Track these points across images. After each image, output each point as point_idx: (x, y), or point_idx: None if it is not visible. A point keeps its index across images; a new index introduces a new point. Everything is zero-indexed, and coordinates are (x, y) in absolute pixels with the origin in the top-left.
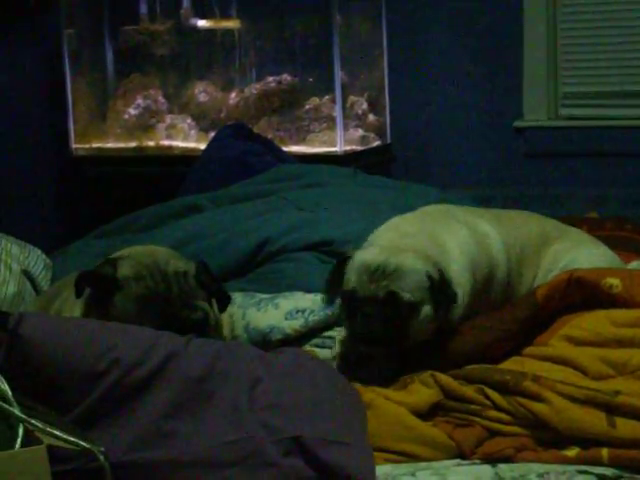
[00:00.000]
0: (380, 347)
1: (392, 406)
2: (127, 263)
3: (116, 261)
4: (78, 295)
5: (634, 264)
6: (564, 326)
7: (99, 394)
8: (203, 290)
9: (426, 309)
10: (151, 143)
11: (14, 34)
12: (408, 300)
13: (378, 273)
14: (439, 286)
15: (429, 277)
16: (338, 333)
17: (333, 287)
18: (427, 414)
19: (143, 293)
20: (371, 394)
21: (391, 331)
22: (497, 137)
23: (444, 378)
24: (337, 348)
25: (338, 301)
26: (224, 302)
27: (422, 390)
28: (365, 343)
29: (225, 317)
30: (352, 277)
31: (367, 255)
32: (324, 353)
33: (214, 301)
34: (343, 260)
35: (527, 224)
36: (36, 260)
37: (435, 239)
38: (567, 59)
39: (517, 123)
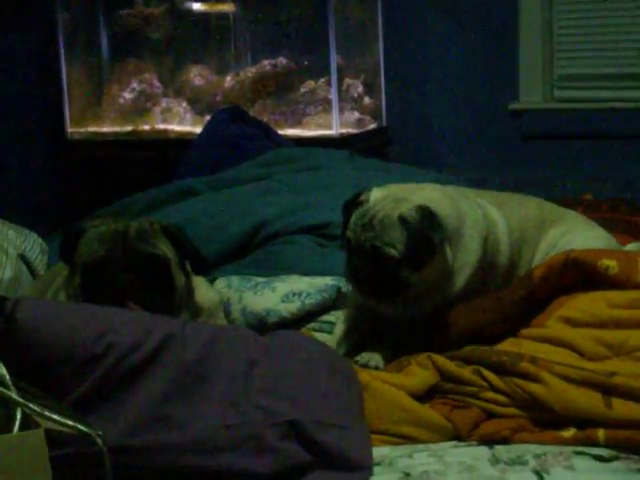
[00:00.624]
0: (375, 298)
1: (389, 388)
2: (96, 220)
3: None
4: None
5: (631, 246)
6: (561, 307)
7: (96, 378)
8: (170, 243)
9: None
10: (146, 127)
11: (9, 18)
12: (391, 254)
13: (368, 224)
14: (413, 229)
15: (404, 222)
16: (337, 318)
17: (344, 222)
18: (424, 396)
19: (102, 230)
20: (368, 376)
21: (380, 282)
22: (493, 120)
23: (441, 360)
24: (338, 329)
25: (334, 282)
26: (199, 263)
27: (419, 372)
28: (360, 294)
29: (215, 299)
30: (352, 223)
31: (370, 201)
32: (321, 337)
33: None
34: (359, 201)
35: (525, 207)
36: (32, 244)
37: (454, 202)
38: (562, 41)
39: (513, 106)
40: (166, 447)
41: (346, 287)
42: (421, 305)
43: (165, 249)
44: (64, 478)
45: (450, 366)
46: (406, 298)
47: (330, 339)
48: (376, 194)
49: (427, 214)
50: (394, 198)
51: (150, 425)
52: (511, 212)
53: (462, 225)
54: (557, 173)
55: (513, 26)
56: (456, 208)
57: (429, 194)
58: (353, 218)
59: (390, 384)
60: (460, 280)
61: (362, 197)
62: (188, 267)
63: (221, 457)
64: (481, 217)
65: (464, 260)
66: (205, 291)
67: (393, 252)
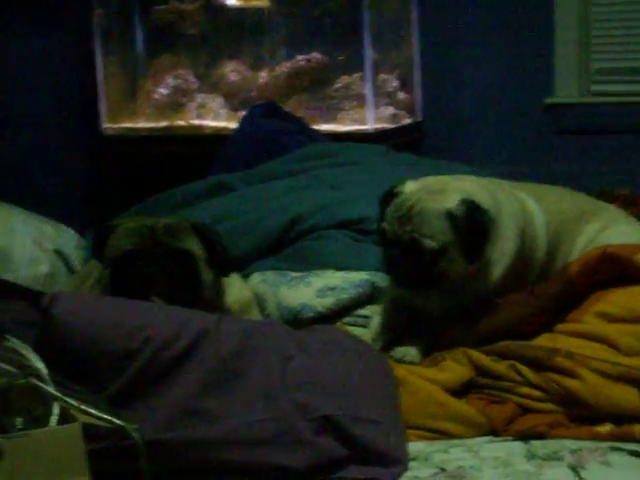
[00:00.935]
0: (412, 290)
1: (425, 383)
2: (128, 219)
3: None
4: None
5: None
6: (597, 302)
7: (132, 372)
8: (200, 241)
9: (452, 251)
10: (181, 122)
11: (45, 14)
12: (429, 246)
13: (405, 216)
14: (465, 222)
15: (451, 216)
16: (372, 312)
17: (381, 210)
18: (460, 391)
19: (130, 226)
20: (404, 371)
21: (418, 276)
22: (528, 114)
23: (476, 355)
24: (374, 323)
25: (369, 277)
26: (226, 263)
27: (454, 367)
28: (398, 285)
29: (246, 295)
30: (388, 215)
31: (404, 193)
32: (356, 331)
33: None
34: (395, 193)
35: (563, 200)
36: (68, 240)
37: (491, 194)
38: (599, 35)
39: (548, 100)
40: (201, 441)
41: (382, 282)
42: (458, 297)
43: (193, 246)
44: (101, 471)
45: (485, 361)
46: (442, 290)
47: (366, 333)
48: (410, 186)
49: (473, 206)
50: (429, 190)
51: (186, 419)
52: (549, 205)
53: (500, 216)
54: (593, 168)
55: (549, 20)
56: (493, 199)
57: (466, 186)
58: (389, 210)
59: (425, 379)
60: (497, 271)
61: (397, 189)
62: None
63: (256, 452)
64: (518, 209)
65: (501, 251)
66: (237, 289)
67: (432, 244)
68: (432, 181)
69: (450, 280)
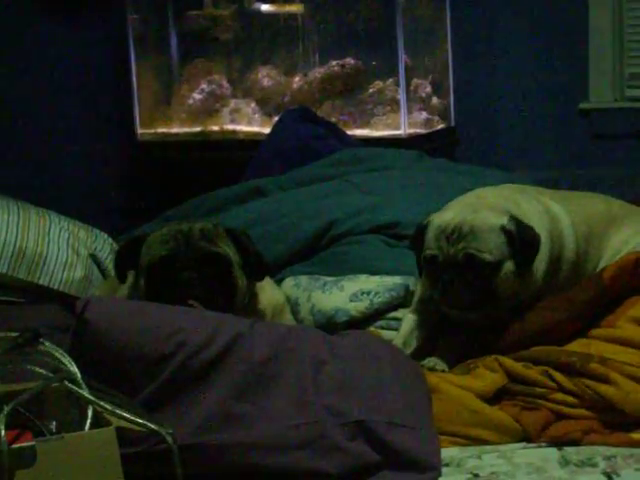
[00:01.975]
0: (470, 311)
1: (457, 390)
2: (158, 227)
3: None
4: (120, 277)
5: None
6: (632, 307)
7: (166, 377)
8: (234, 246)
9: (507, 265)
10: (215, 128)
11: (80, 19)
12: (487, 260)
13: (455, 235)
14: (518, 237)
15: (505, 231)
16: (403, 316)
17: (415, 248)
18: (493, 398)
19: (164, 232)
20: (435, 378)
21: (474, 293)
22: (562, 119)
23: (508, 362)
24: (404, 326)
25: (403, 281)
26: (261, 269)
27: (487, 375)
28: (452, 309)
29: (279, 299)
30: (431, 242)
31: (444, 217)
32: (389, 335)
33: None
34: (424, 225)
35: (593, 203)
36: (103, 244)
37: (516, 203)
38: (633, 40)
39: (582, 105)
40: (235, 446)
41: (414, 286)
42: (502, 307)
43: (228, 250)
44: (135, 475)
45: (518, 368)
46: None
47: (396, 337)
48: (441, 215)
49: (522, 222)
50: (467, 211)
51: (219, 423)
52: (576, 208)
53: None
54: (628, 173)
55: (583, 24)
56: (518, 209)
57: (497, 202)
58: (431, 237)
59: (458, 386)
60: (539, 276)
61: (425, 222)
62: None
63: (289, 456)
64: (542, 211)
65: (538, 257)
66: (270, 293)
67: (490, 258)
68: (462, 204)
69: (503, 297)
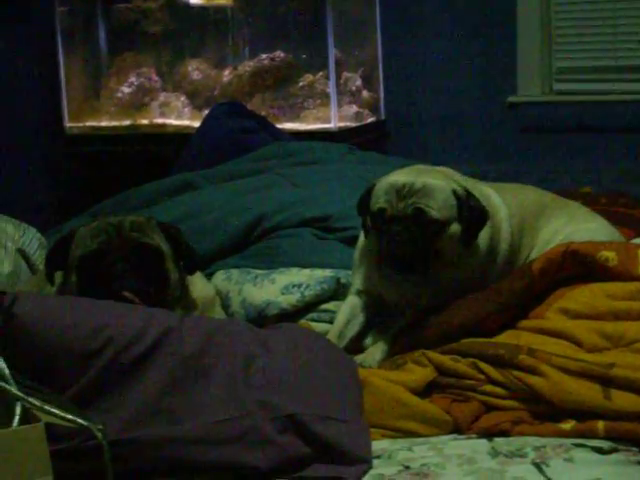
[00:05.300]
0: (408, 271)
1: (387, 384)
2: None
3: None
4: (49, 279)
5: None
6: (560, 299)
7: (94, 372)
8: (167, 240)
9: (454, 227)
10: (145, 121)
11: (6, 12)
12: (435, 217)
13: (405, 191)
14: (467, 204)
15: (456, 195)
16: (337, 308)
17: (362, 210)
18: (423, 392)
19: (94, 226)
20: (365, 372)
21: (419, 249)
22: (491, 113)
23: (436, 356)
24: (339, 320)
25: (333, 274)
26: (192, 262)
27: (416, 369)
28: (394, 267)
29: (209, 292)
30: (381, 197)
31: (394, 176)
32: (320, 327)
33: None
34: (372, 185)
35: (525, 194)
36: (31, 239)
37: (461, 183)
38: (560, 34)
39: (511, 98)
40: (165, 440)
41: (346, 278)
42: (438, 289)
43: (160, 242)
44: (64, 471)
45: (446, 361)
46: (428, 279)
47: (331, 330)
48: (393, 176)
49: (469, 191)
50: (420, 173)
51: (150, 418)
52: (511, 199)
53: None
54: (556, 166)
55: (511, 18)
56: (463, 185)
57: (440, 173)
58: (380, 192)
59: (388, 380)
60: (473, 262)
61: (377, 180)
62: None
63: (221, 450)
64: (485, 203)
65: (481, 234)
66: (201, 287)
67: (437, 215)
68: (409, 170)
69: (446, 261)
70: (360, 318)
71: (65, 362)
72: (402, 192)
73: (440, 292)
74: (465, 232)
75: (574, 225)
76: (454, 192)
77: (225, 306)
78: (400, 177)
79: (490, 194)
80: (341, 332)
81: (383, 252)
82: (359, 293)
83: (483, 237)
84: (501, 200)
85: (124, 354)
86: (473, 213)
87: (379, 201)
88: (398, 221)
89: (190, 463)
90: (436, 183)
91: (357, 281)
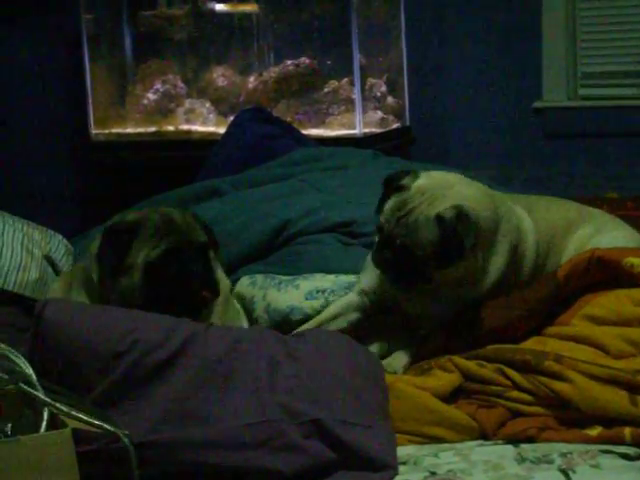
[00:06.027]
0: (404, 289)
1: (413, 389)
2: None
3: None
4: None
5: None
6: (586, 305)
7: (119, 374)
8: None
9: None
10: (170, 128)
11: (34, 19)
12: (419, 255)
13: (404, 219)
14: (452, 231)
15: (439, 220)
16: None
17: (377, 211)
18: (449, 397)
19: (154, 223)
20: (392, 377)
21: (408, 275)
22: (516, 118)
23: (462, 361)
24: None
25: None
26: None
27: (442, 375)
28: (390, 283)
29: (228, 285)
30: (387, 212)
31: (412, 190)
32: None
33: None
34: (390, 188)
35: (551, 212)
36: (57, 245)
37: (494, 205)
38: (586, 39)
39: (536, 104)
40: (190, 443)
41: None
42: (446, 303)
43: (204, 235)
44: (91, 474)
45: (472, 367)
46: (426, 294)
47: (314, 319)
48: (419, 183)
49: (463, 217)
50: (432, 194)
51: (174, 421)
52: (539, 219)
53: (497, 230)
54: (581, 171)
55: (536, 24)
56: (495, 211)
57: (470, 192)
58: (390, 205)
59: (414, 386)
60: (487, 282)
61: (405, 181)
62: None
63: (245, 455)
64: (515, 227)
65: (493, 264)
66: (220, 275)
67: (421, 253)
68: (438, 180)
69: (434, 285)
70: (352, 316)
71: (91, 364)
72: (402, 218)
73: (454, 307)
74: (436, 258)
75: (600, 235)
76: (439, 218)
77: (249, 311)
78: (410, 196)
79: (523, 218)
80: (321, 323)
81: (375, 264)
82: (361, 293)
83: (498, 262)
84: (532, 224)
85: (150, 356)
86: (451, 242)
87: (382, 216)
88: (389, 245)
89: (214, 467)
90: (432, 216)
91: (362, 281)
